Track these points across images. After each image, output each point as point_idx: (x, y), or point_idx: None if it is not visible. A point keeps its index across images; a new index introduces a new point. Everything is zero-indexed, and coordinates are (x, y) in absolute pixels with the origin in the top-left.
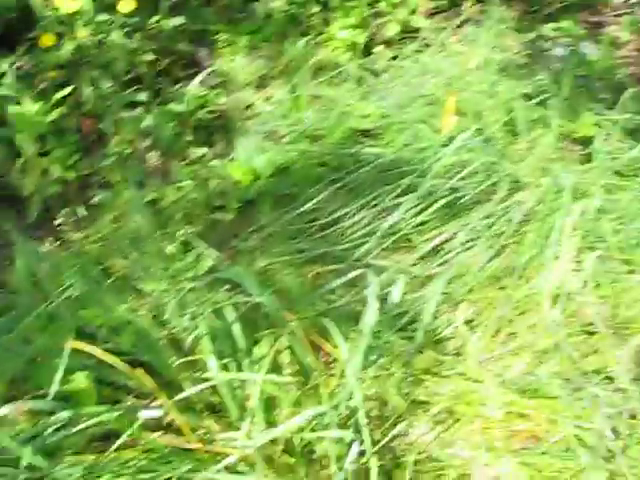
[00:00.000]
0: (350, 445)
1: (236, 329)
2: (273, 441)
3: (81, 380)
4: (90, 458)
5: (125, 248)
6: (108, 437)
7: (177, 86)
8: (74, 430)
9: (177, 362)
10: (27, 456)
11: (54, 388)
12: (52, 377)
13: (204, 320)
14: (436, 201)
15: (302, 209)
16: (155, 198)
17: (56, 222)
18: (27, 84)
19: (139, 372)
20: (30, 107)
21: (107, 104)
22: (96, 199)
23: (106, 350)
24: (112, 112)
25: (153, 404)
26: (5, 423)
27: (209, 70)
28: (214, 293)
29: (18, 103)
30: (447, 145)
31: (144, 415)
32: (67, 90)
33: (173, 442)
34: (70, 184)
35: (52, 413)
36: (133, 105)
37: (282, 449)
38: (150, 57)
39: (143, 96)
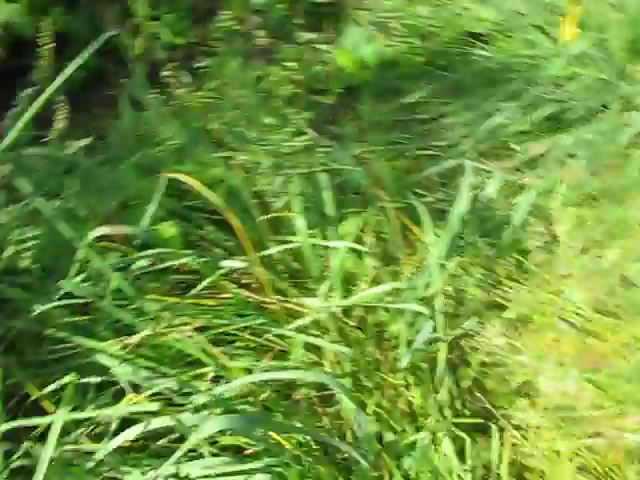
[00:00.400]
0: (421, 330)
1: (327, 197)
2: (347, 313)
3: (169, 227)
4: (171, 300)
5: (226, 113)
6: (190, 286)
7: None
8: (159, 268)
9: (264, 219)
10: (116, 280)
11: (144, 224)
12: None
13: (296, 182)
14: (540, 111)
15: (403, 102)
16: (259, 75)
17: (162, 81)
18: None
19: (230, 215)
20: None
21: None
22: (202, 64)
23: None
24: None
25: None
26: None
27: None
28: (309, 160)
29: None
30: (561, 55)
31: (227, 264)
32: None
33: (251, 296)
34: (177, 50)
35: (141, 250)
36: None
37: (355, 324)
38: None
39: None
